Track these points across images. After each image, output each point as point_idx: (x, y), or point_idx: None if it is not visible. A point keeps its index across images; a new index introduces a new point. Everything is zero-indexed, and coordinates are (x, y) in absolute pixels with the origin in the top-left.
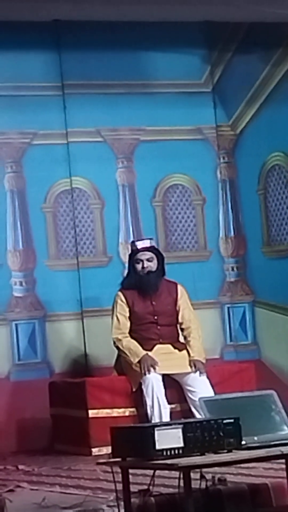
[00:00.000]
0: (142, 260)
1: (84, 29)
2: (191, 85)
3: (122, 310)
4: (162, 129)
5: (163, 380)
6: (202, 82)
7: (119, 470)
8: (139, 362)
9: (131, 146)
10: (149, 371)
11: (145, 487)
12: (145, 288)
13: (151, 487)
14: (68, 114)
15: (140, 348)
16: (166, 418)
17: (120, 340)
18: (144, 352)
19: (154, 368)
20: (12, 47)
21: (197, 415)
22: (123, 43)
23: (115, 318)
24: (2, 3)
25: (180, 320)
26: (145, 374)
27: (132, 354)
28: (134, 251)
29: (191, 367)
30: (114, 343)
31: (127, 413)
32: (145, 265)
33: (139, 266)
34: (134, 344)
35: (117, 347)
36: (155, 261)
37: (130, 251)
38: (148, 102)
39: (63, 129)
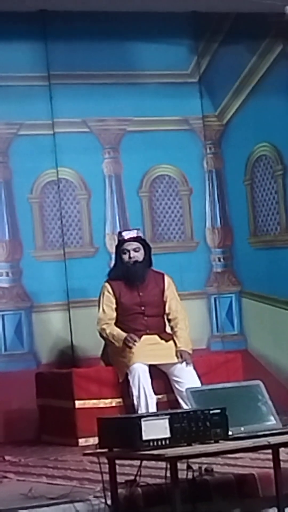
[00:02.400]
0: (128, 250)
1: (70, 19)
2: (177, 76)
3: (109, 301)
4: (148, 120)
5: (150, 371)
6: (189, 72)
7: (106, 460)
8: (124, 344)
9: (117, 137)
10: (133, 343)
11: (132, 477)
12: (132, 278)
13: (138, 478)
14: (55, 104)
15: (122, 332)
16: (152, 408)
17: (104, 329)
18: (126, 334)
19: (135, 340)
20: None
21: (184, 406)
22: (109, 33)
23: (101, 309)
24: None
25: (167, 311)
26: (134, 345)
27: (116, 340)
28: (121, 242)
29: (177, 357)
30: (100, 334)
31: (113, 404)
32: (131, 255)
33: (125, 257)
34: (117, 331)
35: (102, 337)
36: (142, 251)
37: (116, 242)
38: (135, 93)
39: (49, 119)
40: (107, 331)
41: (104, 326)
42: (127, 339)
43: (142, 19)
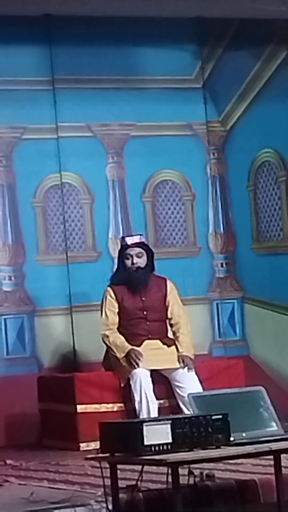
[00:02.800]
0: (131, 256)
1: (74, 24)
2: (181, 81)
3: (111, 305)
4: (152, 125)
5: (152, 376)
6: (193, 78)
7: (107, 465)
8: (125, 357)
9: (121, 142)
10: (137, 364)
11: (133, 482)
12: (135, 284)
13: (139, 483)
14: (59, 108)
15: (126, 343)
16: (154, 413)
17: (107, 336)
18: (130, 347)
19: (139, 360)
20: (3, 41)
21: (186, 411)
22: (114, 38)
23: (104, 314)
24: None
25: (169, 316)
26: (133, 368)
27: (119, 350)
28: (124, 247)
29: (179, 362)
30: (103, 339)
31: (115, 409)
32: (134, 261)
33: (128, 262)
34: (120, 340)
35: (105, 343)
36: (145, 257)
37: (119, 247)
38: (139, 98)
39: (53, 123)
40: (110, 339)
41: (107, 333)
42: (132, 357)
43: (147, 24)
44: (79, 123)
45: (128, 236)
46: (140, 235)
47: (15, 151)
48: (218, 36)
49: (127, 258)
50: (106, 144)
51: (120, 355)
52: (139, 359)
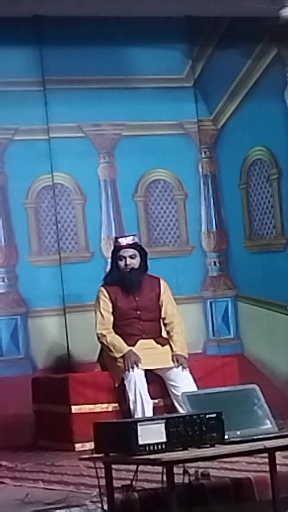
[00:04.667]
0: (125, 257)
1: (65, 24)
2: (172, 80)
3: (106, 305)
4: (143, 124)
5: (146, 375)
6: (184, 77)
7: (102, 465)
8: (122, 357)
9: (112, 142)
10: (132, 368)
11: (128, 482)
12: (128, 285)
13: (134, 482)
14: (50, 109)
15: (125, 344)
16: (149, 413)
17: (104, 335)
18: (128, 348)
19: (137, 365)
20: None
21: (180, 410)
22: (104, 38)
23: (99, 313)
24: None
25: (163, 315)
26: (128, 370)
27: (117, 350)
28: (117, 248)
29: (174, 362)
30: (98, 338)
31: (110, 409)
32: (127, 262)
33: (121, 263)
34: (118, 340)
35: (101, 343)
36: (138, 258)
37: (112, 247)
38: (130, 97)
39: (44, 124)
40: (108, 339)
41: (104, 332)
42: (130, 360)
43: (137, 24)
44: (70, 123)
45: (121, 237)
46: (133, 235)
47: (6, 152)
48: (209, 35)
49: (121, 260)
50: (97, 144)
51: (118, 354)
52: (137, 364)
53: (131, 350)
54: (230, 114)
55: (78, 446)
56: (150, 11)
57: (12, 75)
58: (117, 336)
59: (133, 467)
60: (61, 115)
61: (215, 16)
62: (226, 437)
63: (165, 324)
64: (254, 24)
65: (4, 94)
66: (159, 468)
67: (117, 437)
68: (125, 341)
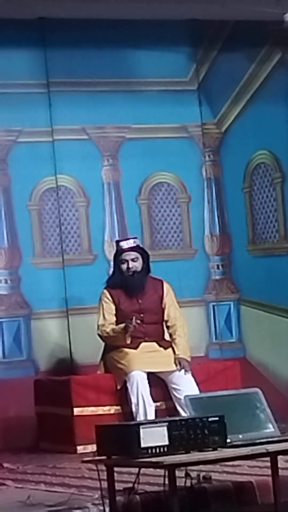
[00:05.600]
0: (127, 261)
1: (69, 27)
2: (176, 83)
3: (109, 308)
4: (147, 127)
5: (148, 378)
6: (188, 80)
7: (104, 468)
8: (125, 328)
9: (116, 144)
10: (136, 323)
11: (130, 485)
12: (131, 288)
13: (136, 485)
14: (54, 112)
15: (121, 324)
16: (151, 416)
17: (105, 331)
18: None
19: (135, 318)
20: None
21: (182, 413)
22: (108, 41)
23: (101, 316)
24: None
25: (165, 318)
26: (134, 324)
27: (117, 331)
28: (119, 251)
29: (176, 365)
30: (101, 337)
31: (112, 411)
32: (130, 266)
33: (124, 267)
34: (116, 326)
35: (105, 338)
36: (140, 260)
37: (115, 251)
38: (134, 100)
39: (48, 127)
40: (108, 330)
41: (105, 331)
42: (127, 323)
43: (141, 27)
44: (74, 126)
45: (122, 240)
46: (134, 238)
47: (10, 154)
48: (213, 38)
49: (123, 263)
50: (101, 147)
51: (121, 332)
52: (134, 322)
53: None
54: (234, 118)
55: (80, 449)
56: (155, 14)
57: (17, 77)
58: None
59: (135, 470)
60: (65, 117)
61: (220, 19)
62: (228, 440)
63: (167, 327)
64: (258, 28)
65: (9, 96)
66: (161, 471)
67: (119, 440)
68: (128, 344)
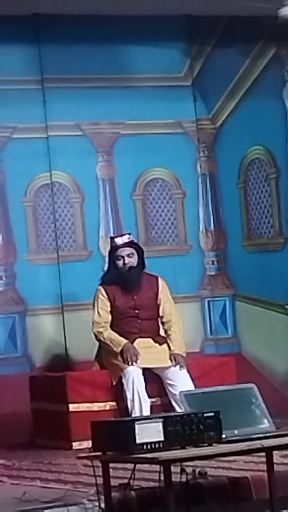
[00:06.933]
0: (122, 257)
1: (63, 23)
2: (171, 79)
3: (104, 304)
4: (142, 123)
5: (144, 374)
6: (182, 75)
7: (99, 464)
8: (121, 351)
9: (111, 140)
10: (132, 361)
11: (126, 481)
12: (127, 284)
13: (131, 481)
14: (48, 108)
15: (121, 337)
16: (146, 412)
17: (101, 332)
18: (126, 341)
19: (136, 358)
20: None
21: (178, 409)
22: (102, 37)
23: (96, 312)
24: None
25: (161, 314)
26: (128, 364)
27: (115, 344)
28: (114, 248)
29: (171, 361)
30: (96, 336)
31: (107, 407)
32: (126, 261)
33: (120, 263)
34: (115, 335)
35: (99, 340)
36: (135, 256)
37: (109, 247)
38: (128, 96)
39: (43, 123)
40: (105, 335)
41: (101, 330)
42: (128, 354)
43: (135, 23)
44: (68, 122)
45: (116, 236)
46: (128, 234)
47: (5, 151)
48: (207, 34)
49: (118, 259)
50: (96, 143)
51: (117, 349)
52: (136, 358)
53: (128, 343)
54: (229, 113)
55: (75, 445)
56: (149, 10)
57: (11, 73)
58: (113, 332)
59: (131, 465)
60: (59, 113)
61: (214, 15)
62: (223, 436)
63: (163, 323)
64: (253, 23)
65: (3, 92)
66: (156, 467)
67: (115, 436)
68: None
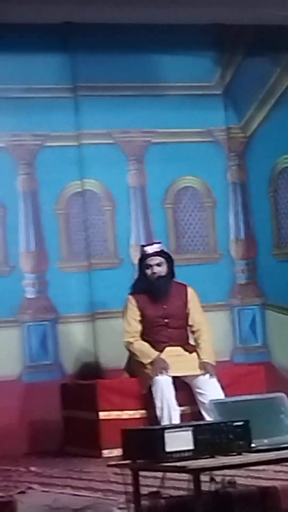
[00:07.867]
0: (151, 266)
1: (95, 31)
2: (201, 88)
3: (134, 314)
4: (173, 131)
5: (174, 382)
6: (213, 84)
7: (129, 472)
8: (151, 363)
9: (142, 148)
10: (161, 373)
11: (155, 489)
12: (156, 293)
13: (161, 490)
14: (80, 116)
15: (152, 349)
16: (176, 420)
17: (131, 343)
18: (157, 353)
19: (166, 370)
20: (24, 49)
21: (207, 418)
22: (134, 45)
23: (126, 322)
24: (14, 6)
25: (190, 323)
26: (156, 375)
27: (145, 356)
28: (144, 256)
29: (201, 369)
30: (126, 346)
31: (137, 415)
32: (154, 270)
33: (149, 271)
34: (146, 347)
35: (129, 350)
36: (165, 265)
37: (139, 256)
38: (159, 104)
39: (74, 131)
40: (135, 346)
41: (131, 340)
42: (158, 366)
43: (166, 32)
44: (100, 130)
45: (147, 245)
46: (159, 242)
47: (37, 159)
48: (238, 43)
49: (147, 268)
50: (127, 151)
51: (146, 360)
52: (165, 370)
53: (159, 355)
54: (259, 122)
55: (105, 453)
56: (180, 19)
57: (43, 81)
58: (144, 343)
59: (160, 474)
60: (91, 121)
61: (245, 24)
62: (253, 445)
63: (192, 332)
64: (283, 32)
65: (36, 100)
66: (186, 476)
67: (145, 444)
68: (153, 348)
